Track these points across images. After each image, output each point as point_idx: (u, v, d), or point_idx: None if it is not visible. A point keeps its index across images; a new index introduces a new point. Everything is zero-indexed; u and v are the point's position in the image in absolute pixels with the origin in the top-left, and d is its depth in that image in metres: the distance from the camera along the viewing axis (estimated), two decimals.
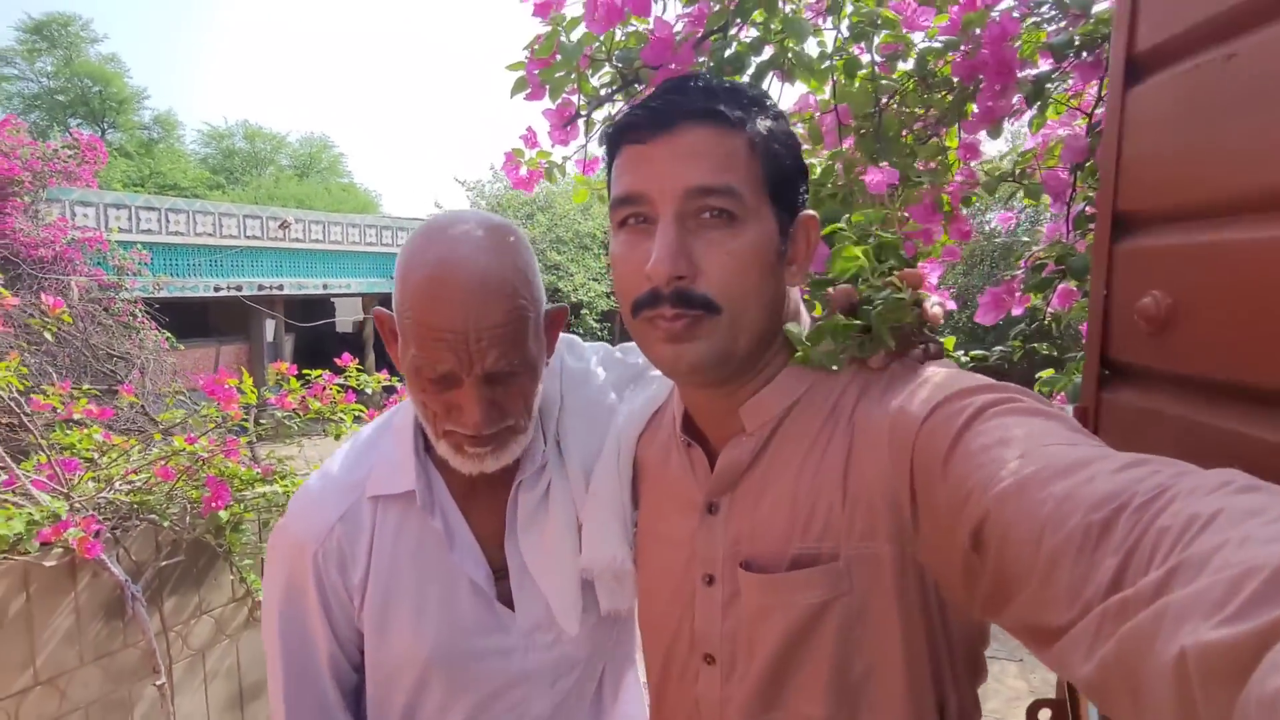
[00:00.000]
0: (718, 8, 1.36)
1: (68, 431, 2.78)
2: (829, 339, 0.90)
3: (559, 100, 1.37)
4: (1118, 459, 0.55)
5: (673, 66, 1.30)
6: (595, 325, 19.50)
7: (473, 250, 0.96)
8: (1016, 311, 1.47)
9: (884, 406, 0.82)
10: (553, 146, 1.60)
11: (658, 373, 1.10)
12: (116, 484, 2.73)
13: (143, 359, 8.79)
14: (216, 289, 12.81)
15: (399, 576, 1.10)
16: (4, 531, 2.13)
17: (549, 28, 1.30)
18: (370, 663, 1.13)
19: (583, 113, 1.40)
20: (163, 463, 2.62)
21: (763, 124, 0.85)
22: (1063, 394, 1.49)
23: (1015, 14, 1.43)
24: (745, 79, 1.51)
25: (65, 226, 9.39)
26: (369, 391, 3.19)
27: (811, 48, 1.54)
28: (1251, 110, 0.76)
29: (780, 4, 1.43)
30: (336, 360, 3.06)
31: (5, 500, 2.41)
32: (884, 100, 1.52)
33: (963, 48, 1.33)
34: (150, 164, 32.36)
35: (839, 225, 0.99)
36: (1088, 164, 1.43)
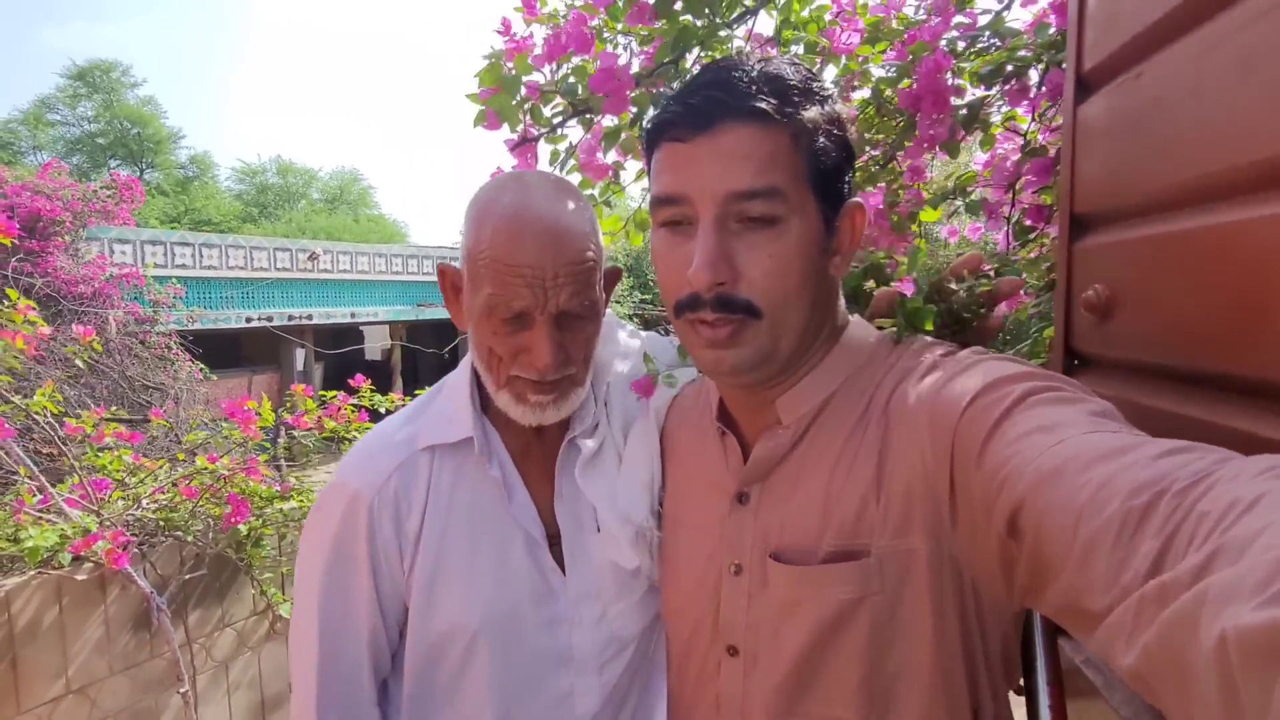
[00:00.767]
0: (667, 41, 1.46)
1: (99, 454, 2.94)
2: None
3: (517, 129, 1.49)
4: (1158, 445, 0.54)
5: (629, 94, 1.41)
6: None
7: (547, 197, 1.01)
8: None
9: (923, 394, 0.80)
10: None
11: None
12: (144, 502, 2.88)
13: (176, 389, 9.07)
14: (248, 320, 13.17)
15: (454, 529, 1.08)
16: (39, 543, 2.27)
17: (489, 60, 1.43)
18: (413, 637, 1.08)
19: (537, 138, 1.52)
20: (187, 481, 2.76)
21: (809, 114, 0.82)
22: None
23: (960, 43, 1.52)
24: None
25: (104, 264, 9.76)
26: (383, 411, 3.33)
27: None
28: (1154, 120, 0.86)
29: (729, 34, 1.54)
30: (350, 381, 3.20)
31: (40, 517, 2.56)
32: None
33: (913, 76, 1.42)
34: (186, 201, 33.35)
35: None
36: (1019, 182, 1.51)
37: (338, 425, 2.98)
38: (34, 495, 2.65)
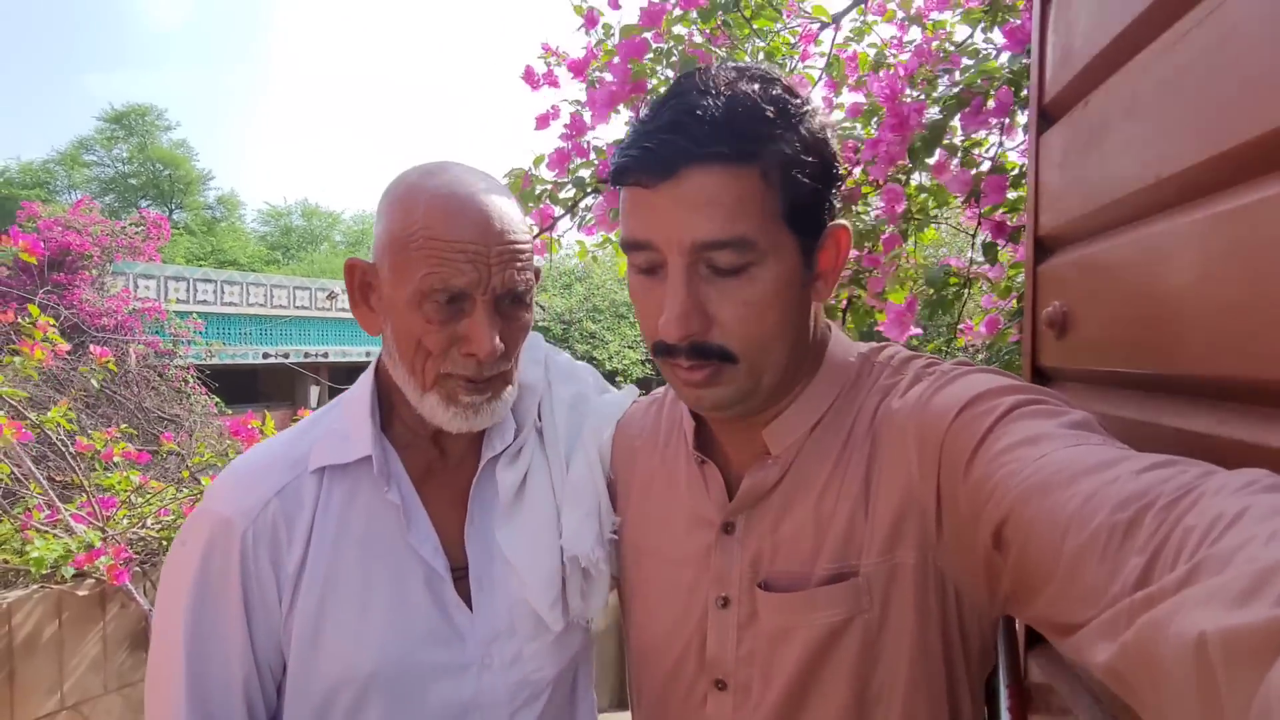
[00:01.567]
0: None
1: (107, 474, 3.00)
2: None
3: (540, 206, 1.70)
4: (1143, 459, 0.54)
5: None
6: None
7: (480, 179, 0.96)
8: (916, 331, 1.60)
9: (908, 409, 0.79)
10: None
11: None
12: (148, 522, 2.92)
13: (191, 422, 9.18)
14: (265, 356, 13.36)
15: (342, 563, 0.95)
16: (44, 554, 2.31)
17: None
18: (294, 689, 0.94)
19: (560, 214, 1.78)
20: (191, 500, 2.81)
21: (781, 147, 0.76)
22: None
23: (941, 80, 1.60)
24: None
25: (127, 297, 9.99)
26: None
27: None
28: (1098, 143, 0.91)
29: None
30: None
31: (47, 532, 2.61)
32: None
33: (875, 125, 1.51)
34: (212, 241, 34.10)
35: None
36: (978, 196, 1.58)
37: None
38: (41, 511, 2.70)
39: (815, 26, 2.06)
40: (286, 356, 13.59)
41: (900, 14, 2.03)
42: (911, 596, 0.78)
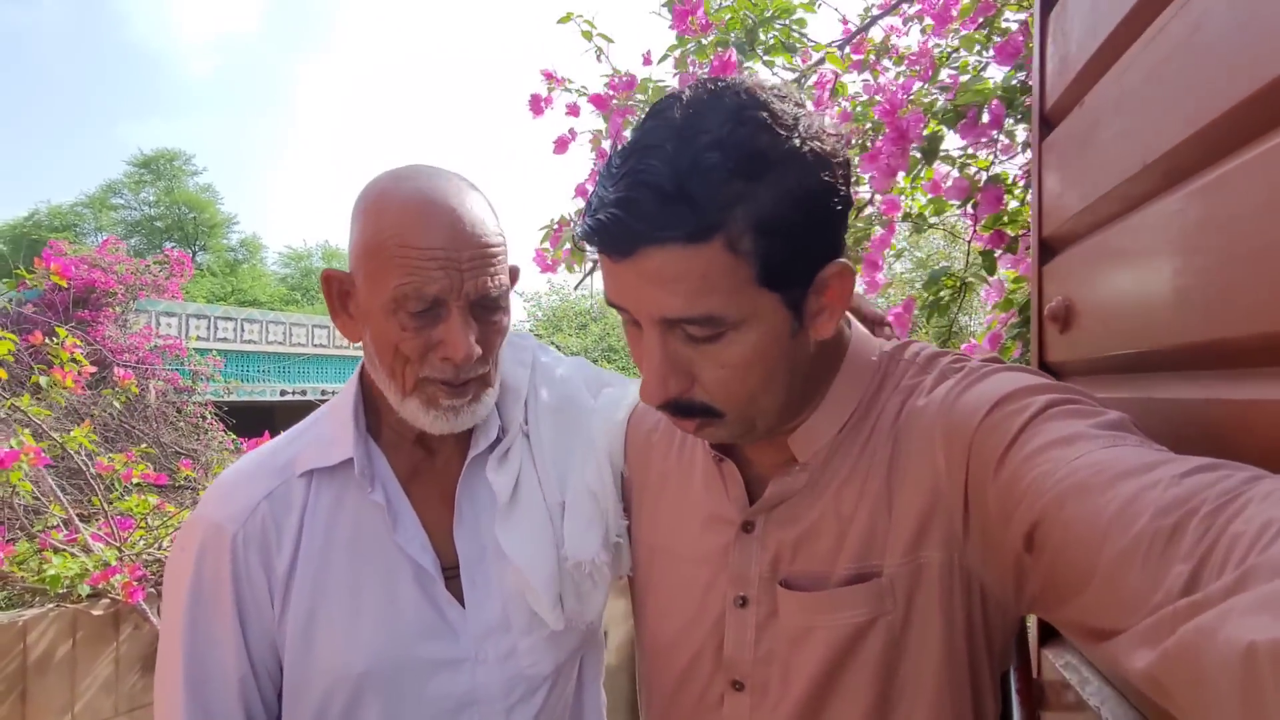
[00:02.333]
0: None
1: (125, 497, 3.04)
2: None
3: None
4: (1184, 463, 0.52)
5: None
6: None
7: (449, 183, 0.94)
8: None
9: (935, 406, 0.77)
10: None
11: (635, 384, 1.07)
12: (164, 543, 2.95)
13: (208, 457, 9.25)
14: (283, 393, 13.49)
15: (332, 565, 0.97)
16: (61, 571, 2.34)
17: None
18: (290, 687, 0.96)
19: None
20: None
21: (751, 209, 0.68)
22: None
23: (940, 100, 1.65)
24: None
25: (149, 334, 10.16)
26: None
27: None
28: (1092, 141, 0.95)
29: None
30: None
31: (65, 550, 2.64)
32: None
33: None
34: (234, 282, 34.67)
35: None
36: (974, 204, 1.62)
37: None
38: (60, 531, 2.74)
39: (830, 75, 2.14)
40: (304, 394, 13.71)
41: (903, 29, 2.12)
42: (937, 596, 0.77)
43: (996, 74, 1.84)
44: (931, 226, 1.78)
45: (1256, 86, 0.59)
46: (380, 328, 0.92)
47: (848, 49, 2.24)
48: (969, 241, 1.63)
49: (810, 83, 2.33)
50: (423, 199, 0.91)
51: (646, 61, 2.67)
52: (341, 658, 0.94)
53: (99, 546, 2.65)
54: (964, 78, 1.68)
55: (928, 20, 2.11)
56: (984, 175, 1.63)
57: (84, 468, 2.77)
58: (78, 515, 3.01)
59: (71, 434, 2.65)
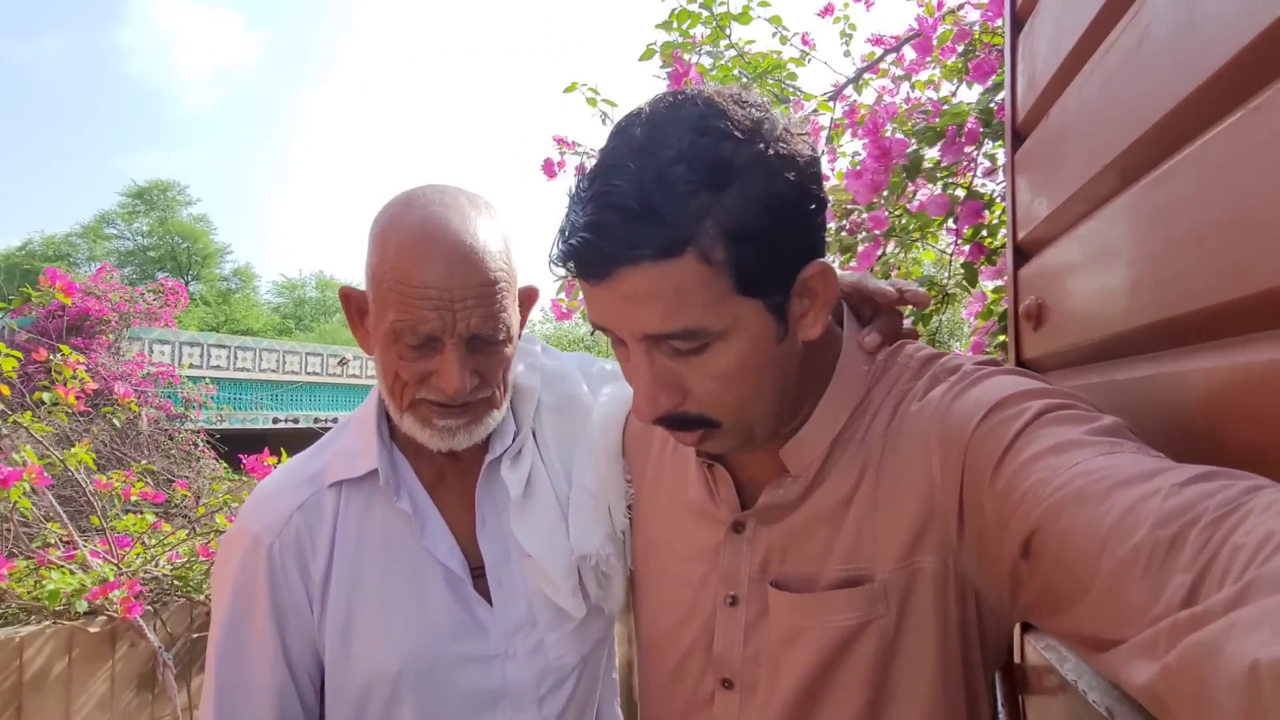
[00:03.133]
0: None
1: (122, 516, 3.06)
2: None
3: None
4: (1182, 471, 0.52)
5: None
6: None
7: (456, 214, 0.94)
8: None
9: (929, 411, 0.77)
10: None
11: None
12: (161, 561, 2.96)
13: (199, 486, 9.22)
14: (275, 420, 13.47)
15: (365, 570, 1.01)
16: (59, 587, 2.36)
17: None
18: (331, 689, 1.01)
19: None
20: (205, 540, 2.86)
21: (720, 219, 0.68)
22: None
23: (915, 121, 1.74)
24: None
25: (142, 362, 10.17)
26: None
27: None
28: (1057, 150, 1.02)
29: None
30: None
31: (63, 567, 2.66)
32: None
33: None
34: (227, 311, 34.70)
35: None
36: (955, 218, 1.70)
37: None
38: (58, 549, 2.75)
39: (820, 118, 2.25)
40: (296, 421, 13.68)
41: (894, 70, 2.22)
42: (931, 602, 0.76)
43: (972, 95, 1.94)
44: (914, 243, 1.86)
45: (1193, 86, 0.65)
46: (383, 351, 0.96)
47: (837, 102, 2.36)
48: (950, 255, 1.71)
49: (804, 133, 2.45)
50: (423, 233, 0.92)
51: None
52: (378, 659, 0.98)
53: (97, 563, 2.66)
54: (945, 106, 1.77)
55: (916, 77, 2.23)
56: (963, 193, 1.72)
57: (83, 485, 2.79)
58: (76, 532, 3.03)
59: (72, 451, 2.68)
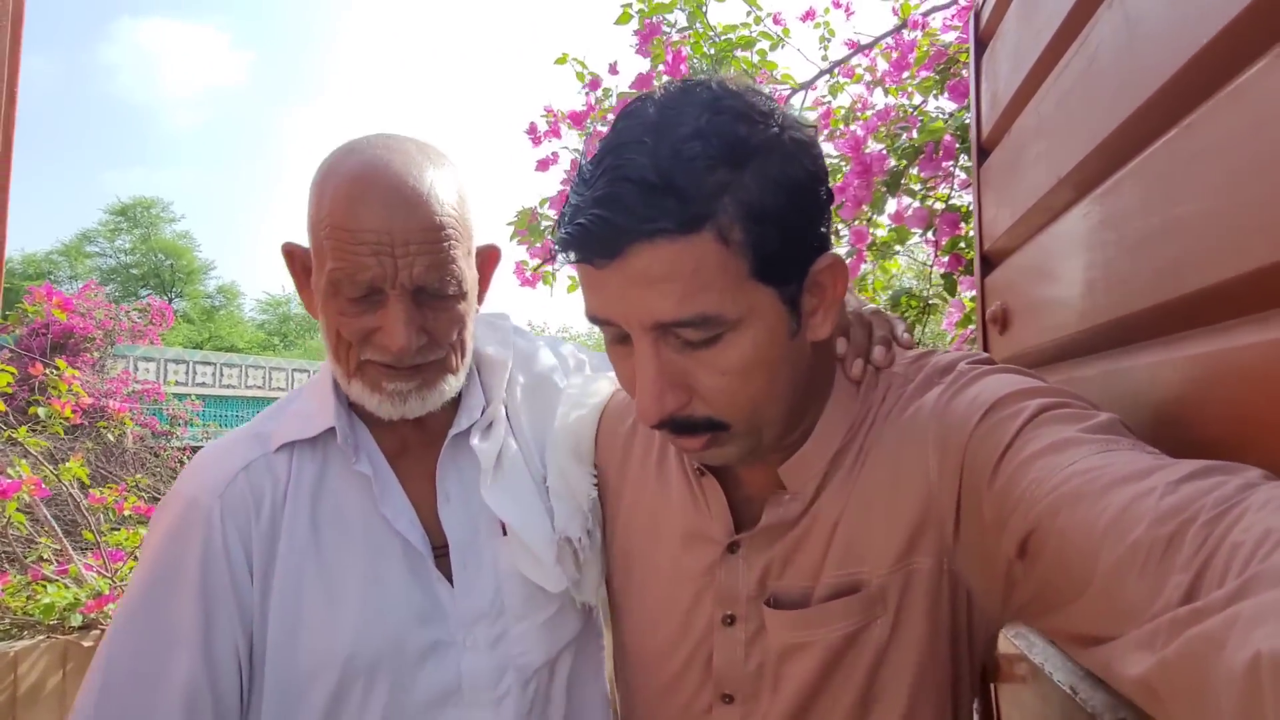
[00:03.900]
0: None
1: (115, 530, 3.07)
2: None
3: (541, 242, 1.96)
4: (1178, 468, 0.51)
5: None
6: None
7: (399, 156, 0.87)
8: None
9: (926, 413, 0.75)
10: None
11: (608, 378, 1.05)
12: None
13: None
14: None
15: (316, 542, 0.91)
16: (55, 600, 2.37)
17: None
18: (273, 674, 0.89)
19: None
20: None
21: (739, 196, 0.66)
22: None
23: (894, 132, 1.82)
24: None
25: (127, 379, 10.13)
26: None
27: None
28: (1018, 164, 1.09)
29: None
30: None
31: (58, 581, 2.67)
32: None
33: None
34: (211, 328, 34.46)
35: None
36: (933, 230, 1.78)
37: None
38: (52, 563, 2.77)
39: (786, 91, 2.32)
40: None
41: (867, 76, 2.31)
42: (925, 601, 0.76)
43: (944, 104, 2.04)
44: (895, 255, 1.94)
45: (1135, 106, 0.72)
46: (324, 309, 0.88)
47: (811, 98, 2.45)
48: (930, 267, 1.78)
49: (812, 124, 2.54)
50: (362, 176, 0.85)
51: (613, 71, 2.91)
52: (325, 642, 0.88)
53: (91, 576, 2.68)
54: (921, 120, 1.85)
55: (890, 84, 2.32)
56: (939, 206, 1.79)
57: (76, 500, 2.81)
58: (70, 546, 3.04)
59: (66, 466, 2.70)
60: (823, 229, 0.73)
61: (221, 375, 13.38)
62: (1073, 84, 0.87)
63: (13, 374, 2.50)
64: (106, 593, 2.59)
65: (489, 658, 0.94)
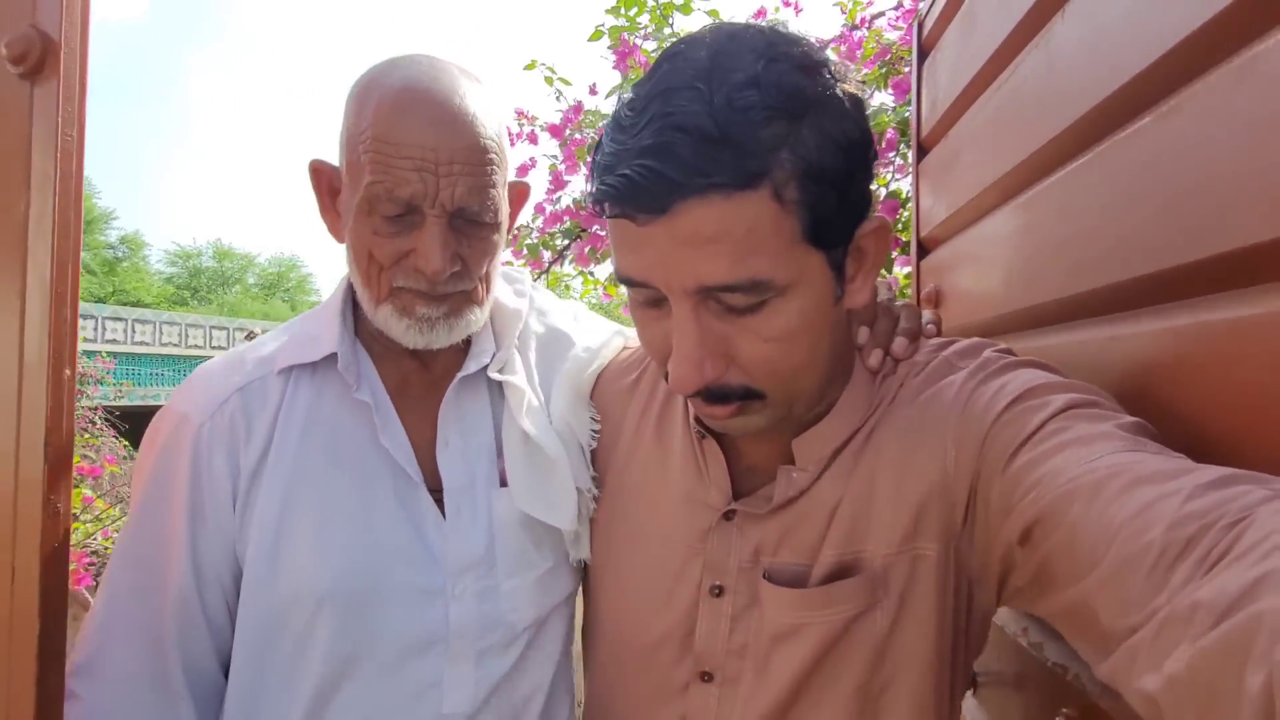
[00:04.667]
0: None
1: None
2: None
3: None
4: (1203, 474, 0.50)
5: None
6: None
7: (447, 75, 0.85)
8: None
9: (949, 397, 0.74)
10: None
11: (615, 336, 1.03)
12: (98, 536, 2.98)
13: (99, 463, 8.86)
14: None
15: (305, 470, 0.88)
16: None
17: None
18: (249, 605, 0.86)
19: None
20: None
21: (798, 153, 0.62)
22: None
23: None
24: None
25: None
26: None
27: None
28: (954, 167, 1.25)
29: None
30: None
31: None
32: None
33: None
34: (115, 281, 32.69)
35: None
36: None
37: None
38: None
39: None
40: None
41: None
42: (932, 590, 0.74)
43: (886, 98, 2.20)
44: None
45: (1055, 131, 0.88)
46: (355, 229, 0.85)
47: None
48: None
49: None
50: (407, 91, 0.83)
51: (593, 92, 3.02)
52: (304, 575, 0.85)
53: None
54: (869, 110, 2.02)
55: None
56: (883, 191, 1.95)
57: None
58: None
59: None
60: (869, 190, 0.70)
61: (134, 332, 12.82)
62: (1004, 102, 1.03)
63: None
64: None
65: (475, 608, 0.91)
